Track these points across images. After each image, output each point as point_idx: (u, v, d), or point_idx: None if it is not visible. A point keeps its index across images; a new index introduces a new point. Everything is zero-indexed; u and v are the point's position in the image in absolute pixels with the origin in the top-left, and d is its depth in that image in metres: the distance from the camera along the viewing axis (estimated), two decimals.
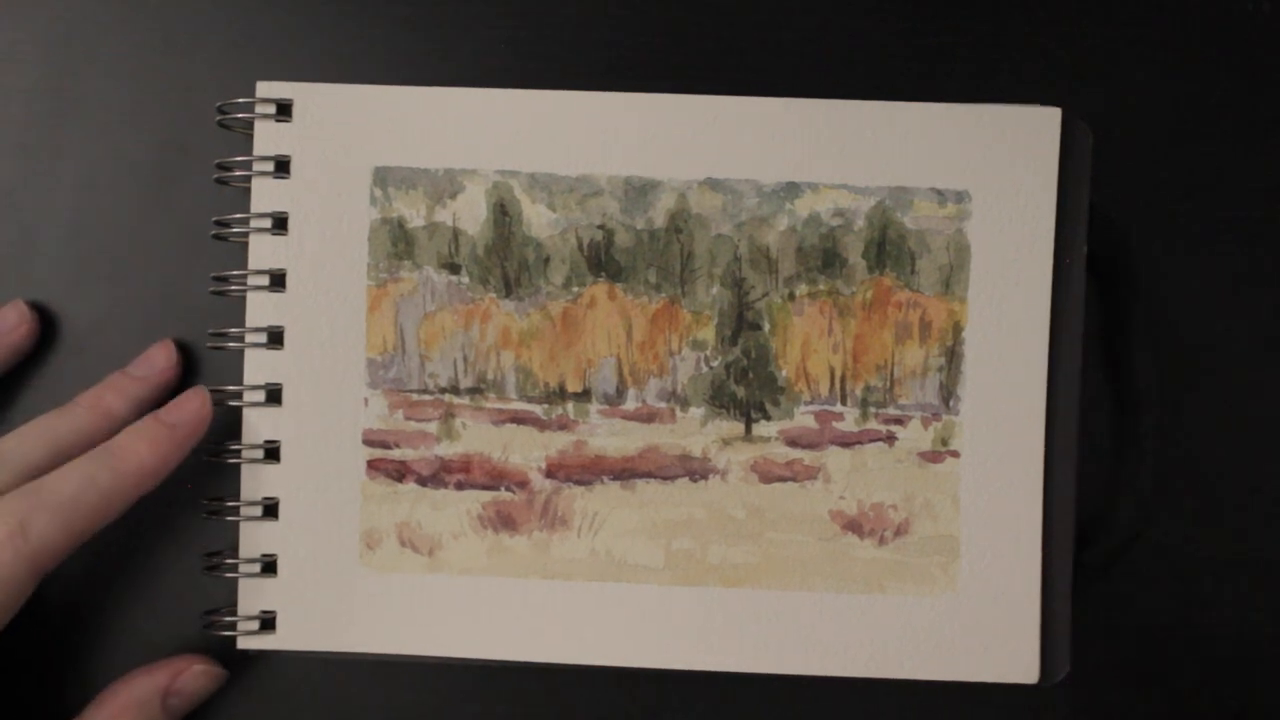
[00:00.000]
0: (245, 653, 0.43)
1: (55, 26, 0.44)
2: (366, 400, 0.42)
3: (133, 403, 0.42)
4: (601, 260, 0.42)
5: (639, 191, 0.42)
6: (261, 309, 0.42)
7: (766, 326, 0.42)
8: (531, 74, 0.43)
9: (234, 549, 0.42)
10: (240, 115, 0.42)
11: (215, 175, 0.42)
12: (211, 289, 0.42)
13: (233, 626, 0.42)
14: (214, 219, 0.42)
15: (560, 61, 0.44)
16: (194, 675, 0.42)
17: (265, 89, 0.42)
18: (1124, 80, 0.44)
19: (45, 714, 0.43)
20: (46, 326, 0.43)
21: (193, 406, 0.41)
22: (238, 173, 0.42)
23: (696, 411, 0.42)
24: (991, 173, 0.42)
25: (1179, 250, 0.44)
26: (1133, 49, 0.44)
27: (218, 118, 0.42)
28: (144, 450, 0.40)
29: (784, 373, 0.42)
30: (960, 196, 0.42)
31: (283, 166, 0.42)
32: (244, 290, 0.42)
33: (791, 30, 0.44)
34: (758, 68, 0.44)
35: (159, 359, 0.43)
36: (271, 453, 0.42)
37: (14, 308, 0.43)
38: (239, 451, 0.42)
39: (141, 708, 0.41)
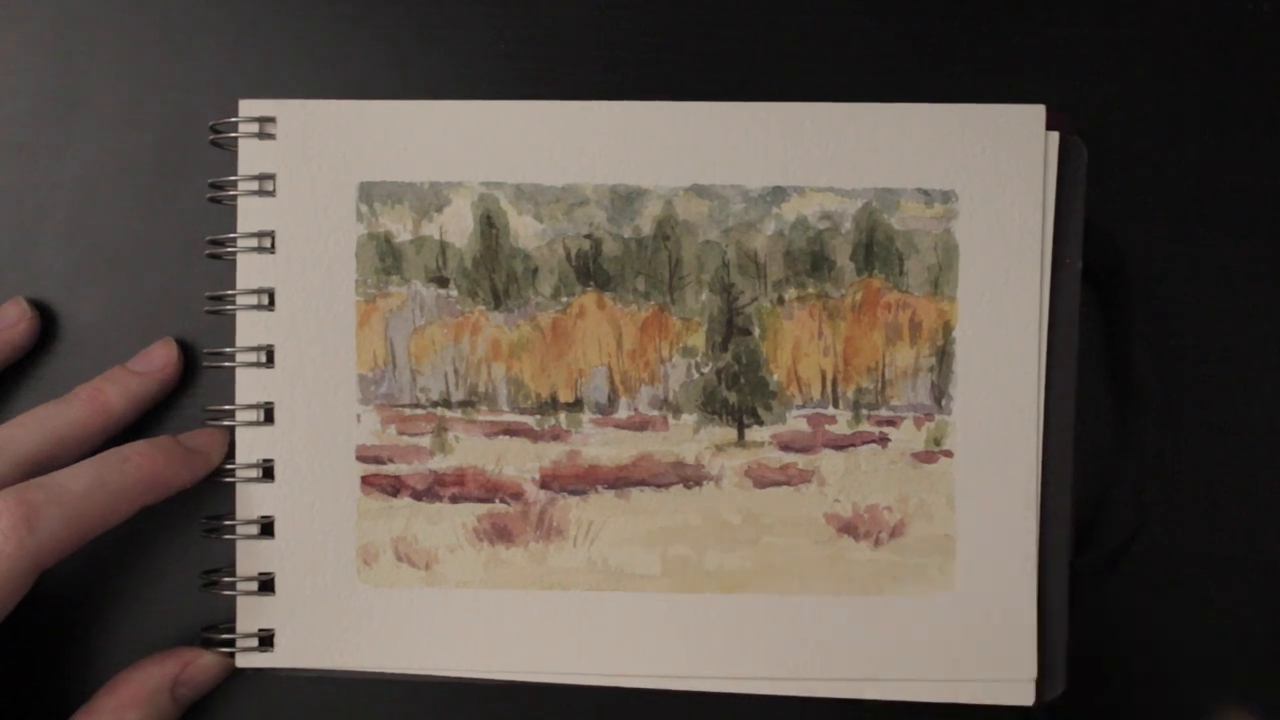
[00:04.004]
0: (243, 671, 0.43)
1: (55, 26, 0.44)
2: (359, 416, 0.42)
3: (131, 397, 0.42)
4: (590, 270, 0.42)
5: (625, 200, 0.42)
6: (252, 328, 0.42)
7: (756, 331, 0.42)
8: (516, 86, 0.43)
9: (233, 567, 0.42)
10: (227, 134, 0.42)
11: (209, 194, 0.42)
12: (206, 309, 0.42)
13: (231, 645, 0.42)
14: (207, 239, 0.42)
15: (545, 73, 0.43)
16: (203, 666, 0.42)
17: (248, 107, 0.42)
18: (1122, 79, 0.44)
19: None
20: (46, 326, 0.44)
21: (209, 439, 0.42)
22: (227, 191, 0.42)
23: (689, 418, 0.42)
24: (977, 172, 0.42)
25: (1178, 250, 0.43)
26: (1131, 49, 0.44)
27: (211, 136, 0.42)
28: (159, 460, 0.40)
29: (775, 377, 0.42)
30: (947, 196, 0.42)
31: (268, 184, 0.42)
32: (234, 309, 0.42)
33: (777, 38, 0.44)
34: (743, 75, 0.43)
35: (159, 356, 0.43)
36: (266, 471, 0.42)
37: (14, 304, 0.43)
38: (233, 471, 0.42)
39: (151, 697, 0.41)
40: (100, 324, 0.44)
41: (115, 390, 0.42)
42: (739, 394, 0.42)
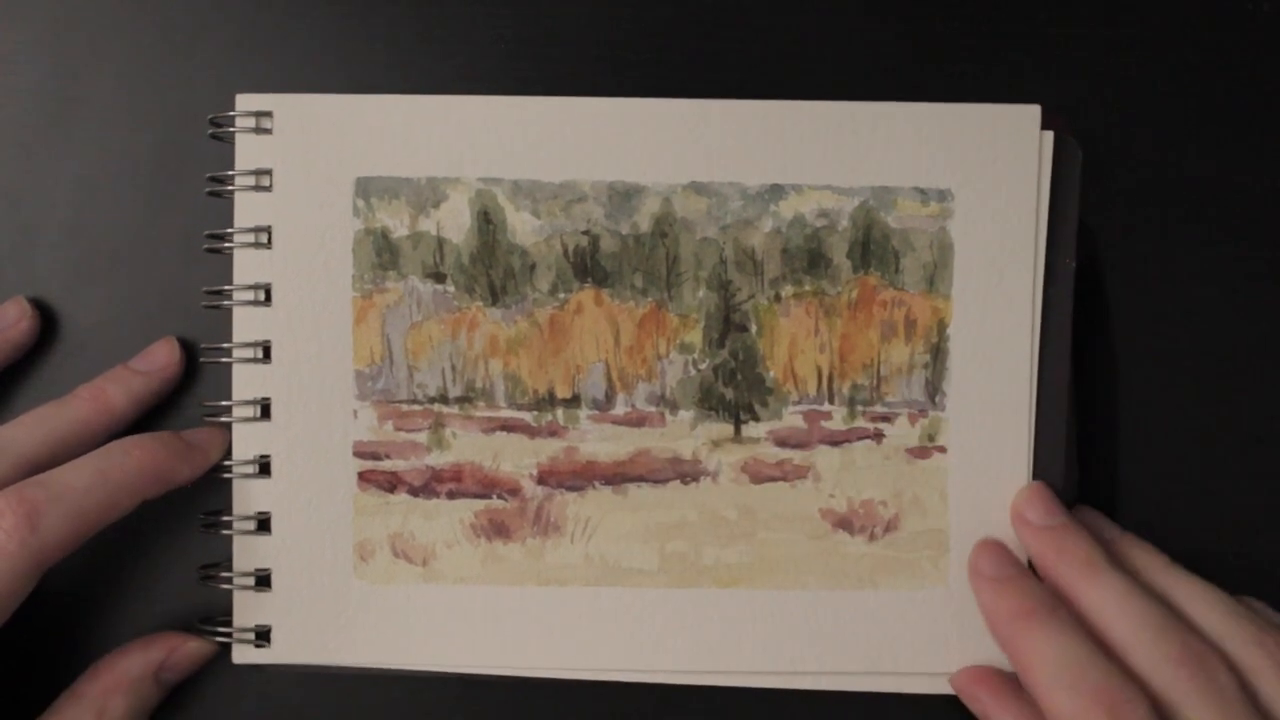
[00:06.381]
0: (240, 667, 0.43)
1: (55, 26, 0.44)
2: (356, 412, 0.42)
3: (133, 397, 0.42)
4: (587, 266, 0.42)
5: (623, 196, 0.42)
6: (249, 323, 0.42)
7: (753, 328, 0.42)
8: (516, 85, 0.43)
9: (230, 562, 0.42)
10: (224, 129, 0.42)
11: (207, 189, 0.43)
12: (204, 304, 0.43)
13: (228, 639, 0.42)
14: (205, 233, 0.43)
15: (545, 72, 0.43)
16: (188, 652, 0.42)
17: (245, 101, 0.42)
18: (1122, 80, 0.44)
19: None
20: (46, 326, 0.44)
21: (209, 436, 0.42)
22: (226, 186, 0.42)
23: (686, 414, 0.42)
24: (973, 171, 0.42)
25: (1177, 250, 0.43)
26: (1131, 49, 0.44)
27: (210, 130, 0.42)
28: (160, 452, 0.40)
29: (771, 374, 0.42)
30: (943, 195, 0.42)
31: (265, 179, 0.42)
32: (231, 305, 0.42)
33: (777, 38, 0.44)
34: (743, 75, 0.43)
35: (161, 355, 0.43)
36: (263, 467, 0.42)
37: (15, 303, 0.43)
38: (231, 466, 0.42)
39: (134, 684, 0.41)
40: (100, 324, 0.44)
41: (117, 389, 0.42)
42: (736, 390, 0.42)
